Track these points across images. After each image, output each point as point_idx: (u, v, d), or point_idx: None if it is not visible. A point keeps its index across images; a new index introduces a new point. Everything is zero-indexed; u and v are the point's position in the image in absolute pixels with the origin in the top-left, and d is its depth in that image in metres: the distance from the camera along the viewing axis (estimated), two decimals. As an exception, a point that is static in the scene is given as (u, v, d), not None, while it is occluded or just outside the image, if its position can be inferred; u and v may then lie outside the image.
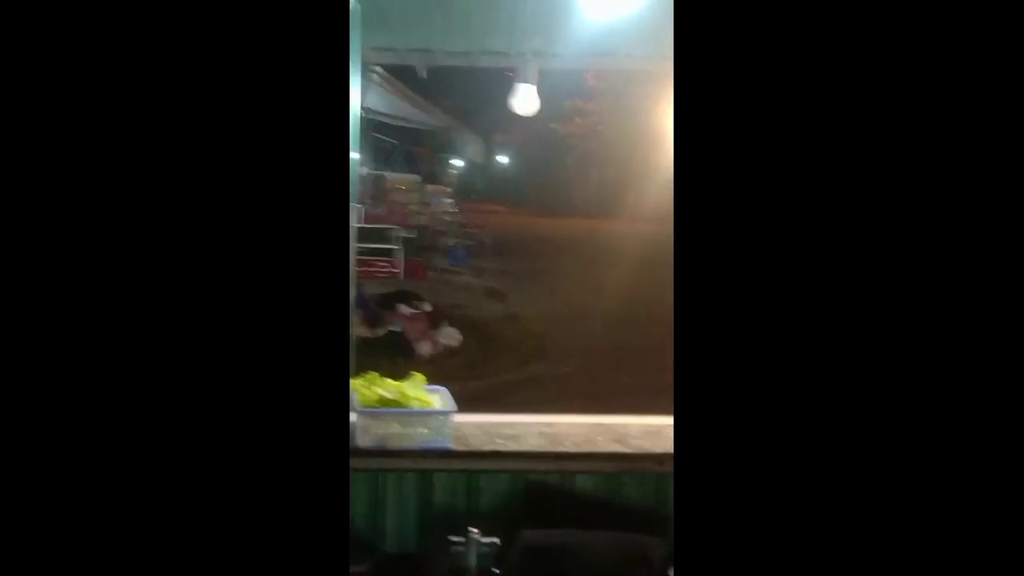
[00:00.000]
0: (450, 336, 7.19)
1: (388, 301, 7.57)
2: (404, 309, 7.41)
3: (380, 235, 10.29)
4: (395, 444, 2.15)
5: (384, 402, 2.20)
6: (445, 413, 2.18)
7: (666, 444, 2.25)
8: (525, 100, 2.37)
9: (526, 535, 2.13)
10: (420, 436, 2.15)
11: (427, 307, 7.70)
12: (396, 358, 6.15)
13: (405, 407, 2.19)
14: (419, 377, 2.29)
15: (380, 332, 6.87)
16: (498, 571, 2.05)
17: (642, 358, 6.57)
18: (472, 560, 2.05)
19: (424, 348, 6.87)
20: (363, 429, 2.16)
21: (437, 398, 2.29)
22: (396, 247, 10.39)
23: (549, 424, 2.39)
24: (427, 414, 2.18)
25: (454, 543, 2.07)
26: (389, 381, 2.29)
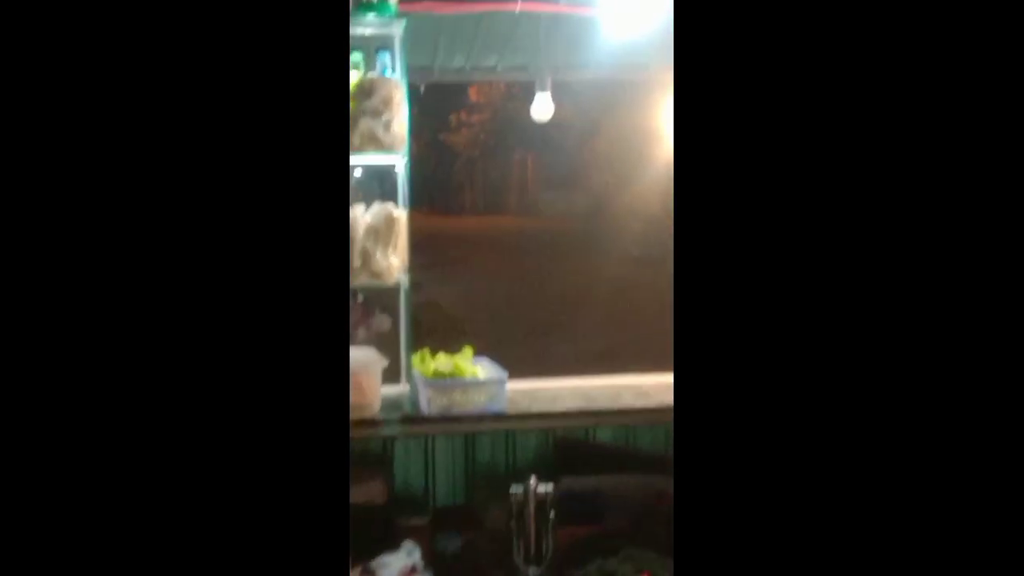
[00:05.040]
0: (382, 322, 7.19)
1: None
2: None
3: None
4: (458, 410, 2.16)
5: (439, 374, 2.21)
6: (501, 380, 2.22)
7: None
8: (542, 107, 2.40)
9: (564, 482, 2.20)
10: (479, 402, 2.17)
11: (360, 298, 7.66)
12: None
13: (461, 378, 2.20)
14: (468, 350, 2.30)
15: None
16: (553, 513, 2.11)
17: (548, 330, 6.76)
18: (531, 506, 2.09)
19: (360, 332, 6.82)
20: (428, 400, 2.17)
21: (480, 367, 2.33)
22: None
23: (577, 387, 2.47)
24: (485, 382, 2.22)
25: (514, 492, 2.10)
26: (441, 356, 2.29)
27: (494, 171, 15.44)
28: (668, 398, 2.30)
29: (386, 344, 2.34)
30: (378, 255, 2.18)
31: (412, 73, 2.28)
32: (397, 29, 2.18)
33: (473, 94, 14.51)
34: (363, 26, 2.16)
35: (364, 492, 2.16)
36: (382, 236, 2.18)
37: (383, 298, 2.36)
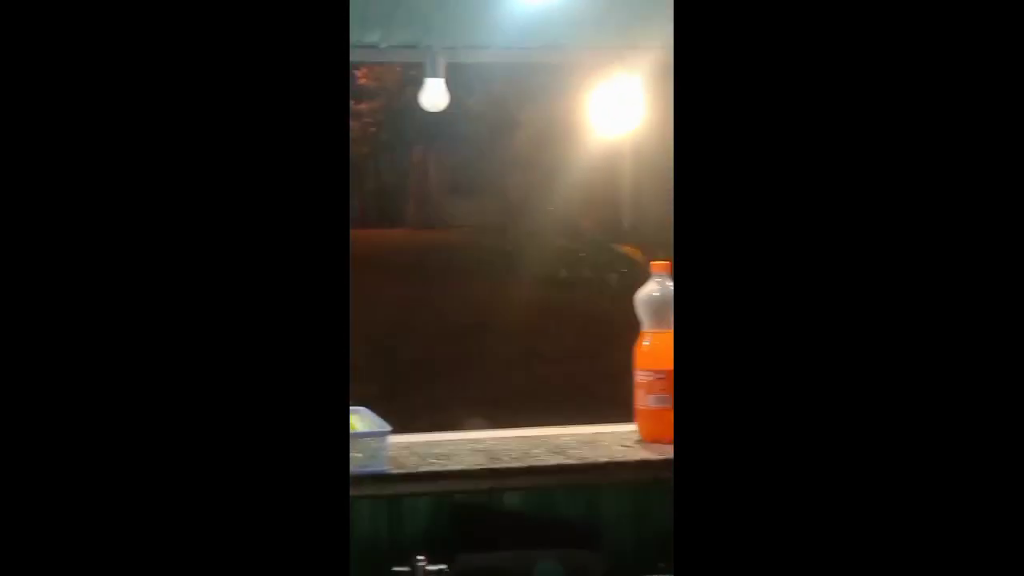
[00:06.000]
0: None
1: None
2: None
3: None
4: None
5: (304, 427, 2.18)
6: (382, 434, 2.18)
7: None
8: (433, 95, 2.42)
9: (461, 560, 2.21)
10: (354, 461, 2.13)
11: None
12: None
13: (330, 430, 2.18)
14: (340, 397, 2.28)
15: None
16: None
17: (446, 370, 6.76)
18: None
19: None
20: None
21: (357, 419, 2.29)
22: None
23: (478, 440, 2.49)
24: (362, 436, 2.19)
25: (398, 574, 2.13)
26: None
27: (387, 172, 15.47)
28: (590, 454, 2.36)
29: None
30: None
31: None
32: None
33: (361, 77, 14.57)
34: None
35: None
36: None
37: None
